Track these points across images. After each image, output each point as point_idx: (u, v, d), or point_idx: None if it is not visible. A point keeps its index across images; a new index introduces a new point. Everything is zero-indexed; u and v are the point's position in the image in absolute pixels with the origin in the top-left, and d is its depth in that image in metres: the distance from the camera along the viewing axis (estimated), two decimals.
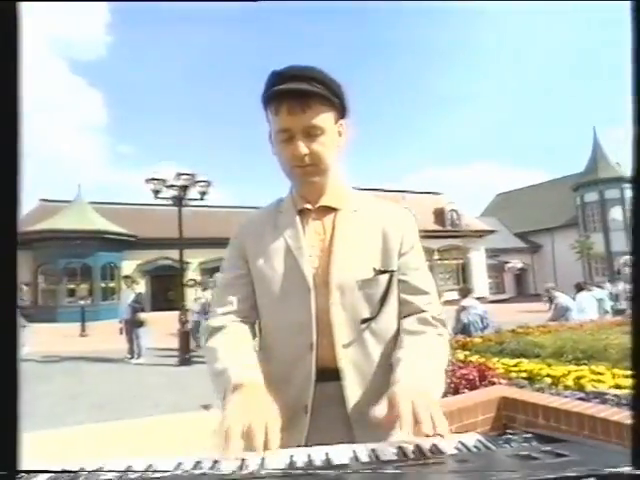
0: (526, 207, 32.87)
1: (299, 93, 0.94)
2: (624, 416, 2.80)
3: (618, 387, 3.37)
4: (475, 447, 0.72)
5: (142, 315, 9.53)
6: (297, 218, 1.08)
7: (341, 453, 0.68)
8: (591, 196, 27.04)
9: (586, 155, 28.03)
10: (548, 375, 3.79)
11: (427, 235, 24.71)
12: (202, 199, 9.62)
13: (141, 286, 20.43)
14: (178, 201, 9.51)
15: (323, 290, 1.00)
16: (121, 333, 9.81)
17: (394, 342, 1.02)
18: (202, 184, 9.49)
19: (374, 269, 1.01)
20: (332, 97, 0.98)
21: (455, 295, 8.59)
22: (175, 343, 9.56)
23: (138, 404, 5.65)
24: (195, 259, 22.11)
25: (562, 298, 8.98)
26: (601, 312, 10.08)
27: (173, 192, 9.46)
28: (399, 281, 1.05)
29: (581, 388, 3.47)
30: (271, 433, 0.71)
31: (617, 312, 12.21)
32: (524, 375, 3.90)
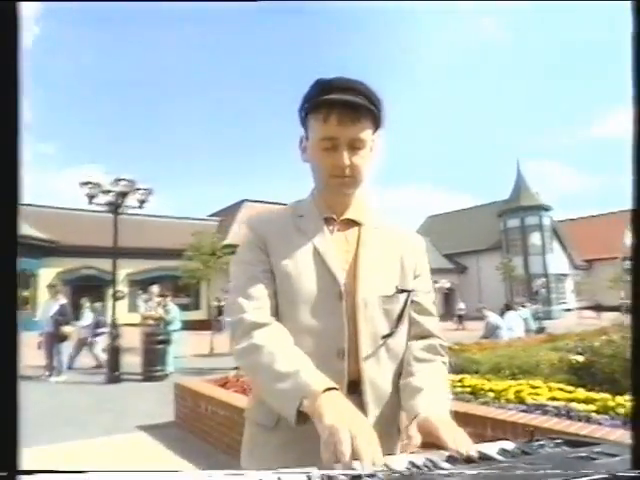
0: (455, 230, 34.60)
1: (350, 105, 0.96)
2: (565, 425, 2.98)
3: (554, 399, 3.57)
4: (515, 453, 0.76)
5: (67, 328, 8.85)
6: (324, 224, 1.08)
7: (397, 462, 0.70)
8: (513, 222, 29.04)
9: (511, 184, 30.18)
10: (491, 390, 3.95)
11: None
12: (141, 207, 9.20)
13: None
14: (114, 208, 9.02)
15: (350, 301, 1.01)
16: (39, 348, 9.01)
17: (401, 361, 1.07)
18: (142, 191, 9.09)
19: (395, 287, 1.05)
20: (376, 112, 1.00)
21: None
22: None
23: (63, 427, 5.17)
24: (122, 270, 21.05)
25: (493, 317, 9.48)
26: (526, 330, 10.74)
27: (109, 198, 8.97)
28: (412, 302, 1.09)
29: (522, 401, 3.64)
30: (375, 445, 0.71)
31: (538, 330, 13.07)
32: (468, 390, 4.05)
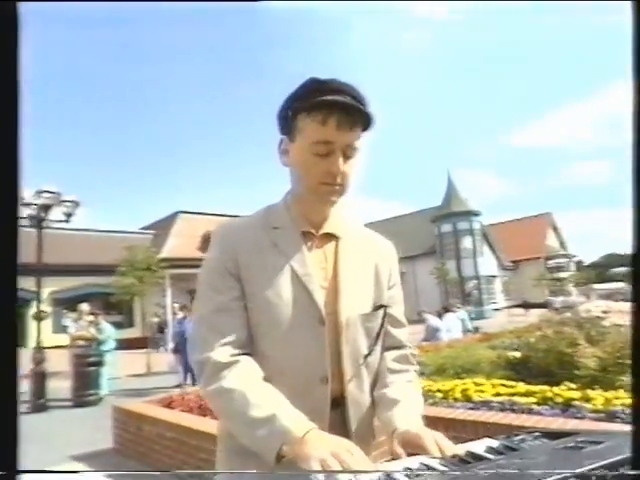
0: (390, 237, 35.31)
1: (350, 109, 0.90)
2: (511, 418, 3.10)
3: (498, 394, 3.71)
4: (501, 449, 0.78)
5: None
6: (302, 240, 1.01)
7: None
8: (446, 227, 30.31)
9: (442, 191, 31.55)
10: (438, 390, 4.05)
11: None
12: (67, 221, 8.62)
13: None
14: (37, 222, 8.38)
15: (331, 322, 0.97)
16: None
17: (377, 373, 1.07)
18: (68, 204, 8.52)
19: (374, 303, 1.04)
20: (369, 120, 0.94)
21: None
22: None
23: None
24: (46, 288, 19.63)
25: (432, 320, 9.78)
26: (464, 331, 11.18)
27: (30, 212, 8.32)
28: (385, 316, 1.07)
29: (468, 399, 3.75)
30: (362, 458, 0.72)
31: (474, 330, 13.66)
32: None
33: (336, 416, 0.98)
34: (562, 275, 33.50)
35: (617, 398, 3.22)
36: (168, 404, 4.54)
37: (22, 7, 0.57)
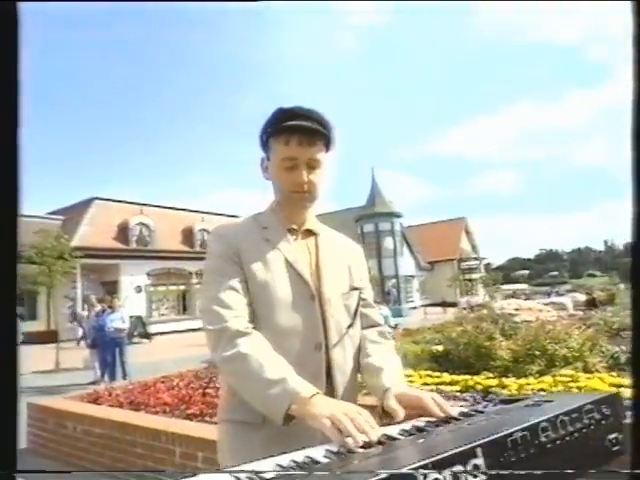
0: None
1: (308, 130, 1.12)
2: None
3: (426, 384, 3.98)
4: (472, 413, 0.92)
5: None
6: (288, 235, 1.21)
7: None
8: (369, 227, 31.22)
9: (366, 191, 32.48)
10: None
11: (182, 257, 23.74)
12: None
13: None
14: None
15: (318, 299, 1.15)
16: None
17: (359, 347, 1.23)
18: None
19: (350, 285, 1.24)
20: (328, 136, 1.17)
21: None
22: None
23: None
24: None
25: None
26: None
27: None
28: (360, 298, 1.27)
29: None
30: (372, 421, 0.83)
31: (394, 327, 14.27)
32: None
33: (327, 384, 1.13)
34: (473, 276, 36.02)
35: (528, 384, 3.60)
36: (94, 400, 4.31)
37: (22, 7, 0.57)
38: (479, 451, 0.66)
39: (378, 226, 30.80)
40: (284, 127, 1.13)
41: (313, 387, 0.93)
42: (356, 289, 1.25)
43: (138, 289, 22.02)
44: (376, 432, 0.81)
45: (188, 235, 25.46)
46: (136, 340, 17.54)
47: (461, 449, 0.65)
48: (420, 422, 0.90)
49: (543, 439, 0.74)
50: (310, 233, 1.26)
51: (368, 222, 31.10)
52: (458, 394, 3.66)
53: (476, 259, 40.79)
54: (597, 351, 4.42)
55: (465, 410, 0.97)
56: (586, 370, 4.02)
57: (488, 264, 54.31)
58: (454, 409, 0.95)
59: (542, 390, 3.45)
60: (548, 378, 3.71)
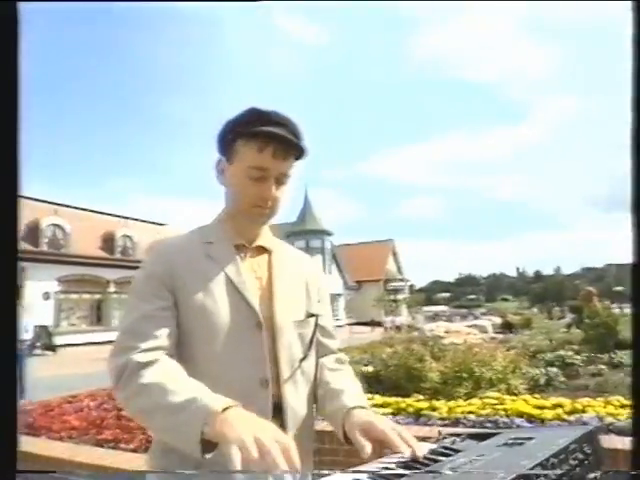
0: None
1: (285, 141, 0.99)
2: None
3: None
4: (441, 452, 0.82)
5: None
6: (235, 252, 1.07)
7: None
8: (299, 243, 31.20)
9: (298, 207, 32.69)
10: None
11: (99, 263, 22.54)
12: None
13: None
14: None
15: (267, 327, 1.02)
16: None
17: (314, 381, 1.10)
18: None
19: (306, 312, 1.10)
20: (303, 151, 1.05)
21: None
22: None
23: None
24: None
25: None
26: None
27: None
28: (318, 326, 1.13)
29: None
30: (290, 448, 0.70)
31: None
32: None
33: (276, 423, 0.96)
34: (398, 297, 37.15)
35: (458, 406, 3.64)
36: None
37: (22, 7, 0.58)
38: None
39: (308, 243, 31.05)
40: (260, 132, 0.99)
41: (229, 400, 0.80)
42: (313, 315, 1.11)
43: (46, 296, 20.28)
44: (294, 466, 0.68)
45: (108, 241, 23.91)
46: (39, 352, 16.07)
47: None
48: (391, 463, 0.77)
49: None
50: (263, 250, 1.12)
51: (299, 239, 31.23)
52: (390, 416, 3.62)
53: (402, 280, 42.22)
54: (519, 374, 4.60)
55: (435, 447, 0.87)
56: (509, 392, 4.16)
57: (411, 285, 56.42)
58: (422, 445, 0.85)
59: (471, 413, 3.51)
60: (476, 400, 3.78)
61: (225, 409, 0.76)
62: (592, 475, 0.78)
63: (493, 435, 0.92)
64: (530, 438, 0.82)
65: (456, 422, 3.36)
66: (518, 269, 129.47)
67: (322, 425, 1.10)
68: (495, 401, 3.69)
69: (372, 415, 0.93)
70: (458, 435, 0.96)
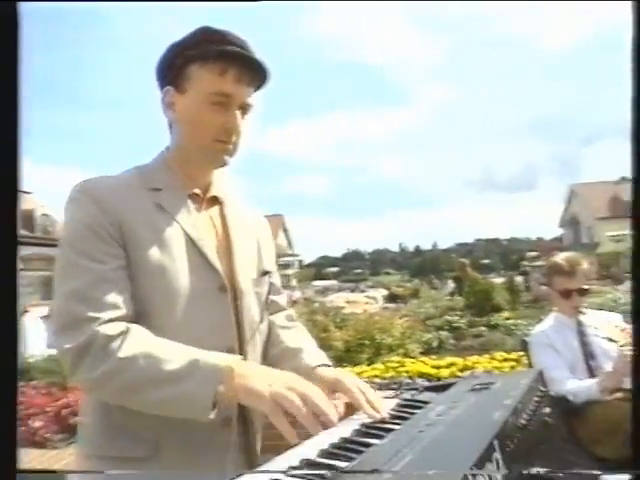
0: None
1: (251, 62, 0.87)
2: None
3: None
4: (413, 404, 0.87)
5: None
6: (190, 203, 0.93)
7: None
8: None
9: None
10: None
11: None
12: None
13: None
14: None
15: (230, 290, 0.92)
16: None
17: (267, 339, 1.05)
18: None
19: (262, 269, 1.02)
20: (266, 78, 0.92)
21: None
22: None
23: None
24: None
25: None
26: None
27: None
28: (270, 284, 1.07)
29: None
30: (322, 395, 0.71)
31: None
32: None
33: None
34: (288, 272, 37.65)
35: (364, 372, 3.87)
36: None
37: (22, 7, 0.57)
38: (496, 444, 0.60)
39: None
40: (219, 52, 0.84)
41: (231, 356, 0.77)
42: (267, 273, 1.03)
43: None
44: (336, 411, 0.70)
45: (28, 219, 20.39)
46: None
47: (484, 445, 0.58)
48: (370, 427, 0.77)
49: (523, 421, 0.72)
50: (215, 201, 0.99)
51: None
52: None
53: (292, 255, 42.82)
54: (414, 338, 5.00)
55: (402, 402, 0.89)
56: (406, 355, 4.50)
57: (301, 261, 57.62)
58: (387, 402, 0.87)
59: (376, 376, 3.74)
60: (379, 365, 4.04)
61: (231, 369, 0.73)
62: (547, 410, 0.88)
63: (449, 385, 0.98)
64: (492, 383, 0.89)
65: None
66: (400, 244, 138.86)
67: None
68: (397, 364, 3.98)
69: (338, 373, 0.91)
70: (415, 389, 0.99)
